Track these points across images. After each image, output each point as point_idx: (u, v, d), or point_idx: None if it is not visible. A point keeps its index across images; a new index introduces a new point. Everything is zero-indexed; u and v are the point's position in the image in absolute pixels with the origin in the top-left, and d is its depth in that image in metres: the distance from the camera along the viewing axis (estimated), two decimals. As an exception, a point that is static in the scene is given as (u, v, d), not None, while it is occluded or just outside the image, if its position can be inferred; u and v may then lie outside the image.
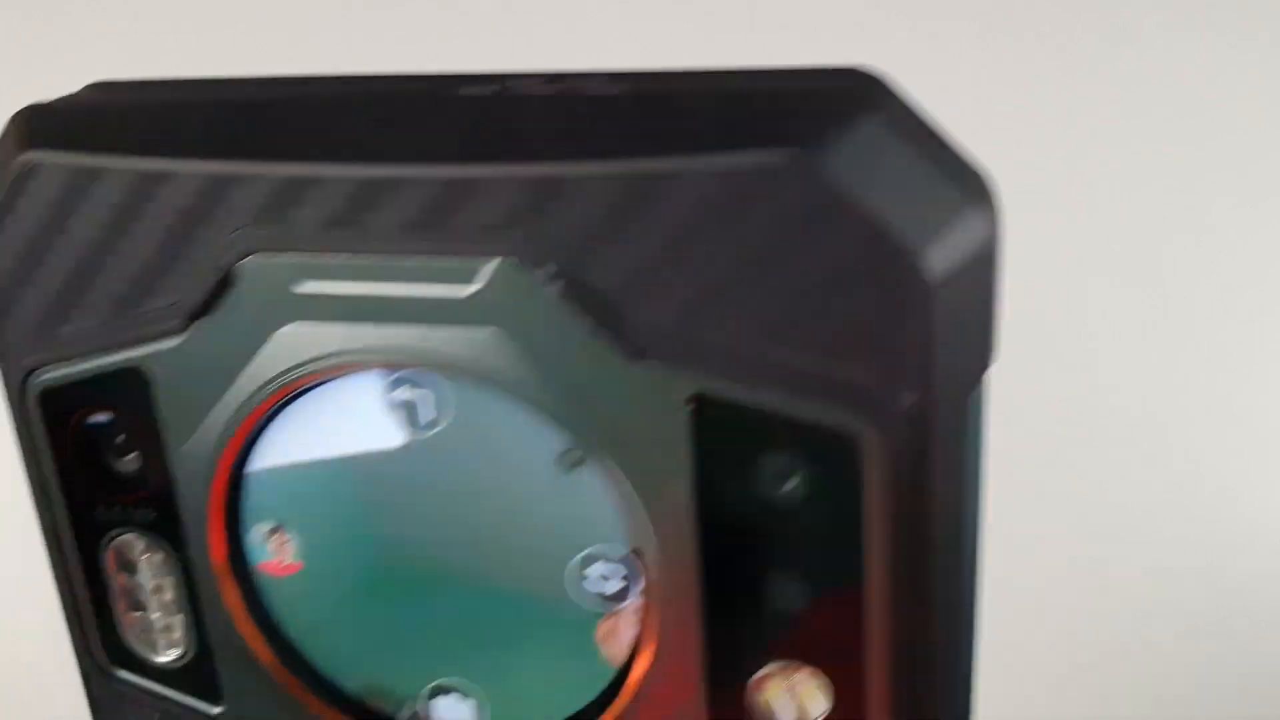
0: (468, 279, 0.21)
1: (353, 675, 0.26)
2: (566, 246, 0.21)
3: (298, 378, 0.23)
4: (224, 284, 0.22)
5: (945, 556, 0.22)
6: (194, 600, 0.26)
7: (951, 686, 0.23)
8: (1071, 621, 0.45)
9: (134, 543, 0.26)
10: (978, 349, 0.21)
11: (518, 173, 0.20)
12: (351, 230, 0.21)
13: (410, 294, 0.22)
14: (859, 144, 0.19)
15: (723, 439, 0.21)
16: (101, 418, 0.25)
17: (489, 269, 0.21)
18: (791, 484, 0.21)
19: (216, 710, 0.26)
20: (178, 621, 0.26)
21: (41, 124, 0.24)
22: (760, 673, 0.23)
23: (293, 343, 0.22)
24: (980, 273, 0.20)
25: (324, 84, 0.24)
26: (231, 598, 0.25)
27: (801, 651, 0.23)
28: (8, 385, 0.25)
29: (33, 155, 0.23)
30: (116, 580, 0.26)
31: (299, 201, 0.21)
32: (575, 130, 0.21)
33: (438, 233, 0.21)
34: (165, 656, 0.26)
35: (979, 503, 0.22)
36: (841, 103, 0.20)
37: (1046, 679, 0.43)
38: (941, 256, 0.19)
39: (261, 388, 0.23)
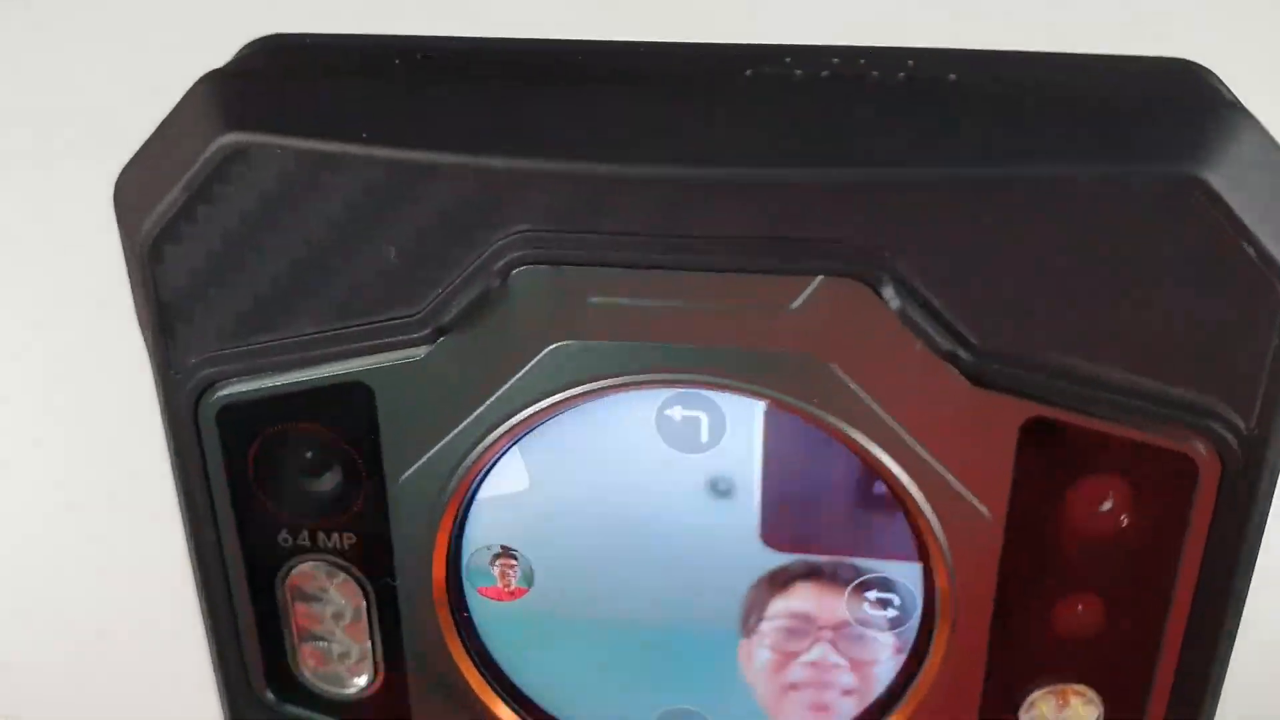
0: (788, 298, 0.19)
1: (572, 705, 0.24)
2: (910, 265, 0.19)
3: (567, 399, 0.20)
4: (489, 294, 0.20)
5: (1241, 584, 0.21)
6: (390, 630, 0.23)
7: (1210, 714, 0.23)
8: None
9: (315, 572, 0.23)
10: None
11: (859, 178, 0.18)
12: (653, 239, 0.19)
13: (717, 311, 0.19)
14: (1241, 158, 0.18)
15: (1047, 462, 0.20)
16: (297, 437, 0.22)
17: (813, 287, 0.19)
18: (1107, 506, 0.20)
19: None
20: (365, 650, 0.24)
21: (236, 97, 0.20)
22: (1036, 692, 0.22)
23: (567, 360, 0.20)
24: None
25: (544, 49, 0.21)
26: (446, 625, 0.23)
27: (1083, 674, 0.22)
28: (171, 397, 0.22)
29: (239, 138, 0.19)
30: (294, 611, 0.23)
31: (593, 202, 0.19)
32: (921, 130, 0.19)
33: (756, 244, 0.19)
34: (349, 688, 0.24)
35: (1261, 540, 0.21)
36: (1209, 111, 0.19)
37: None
38: None
39: (521, 409, 0.20)
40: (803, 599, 0.22)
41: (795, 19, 0.29)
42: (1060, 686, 0.22)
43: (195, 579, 0.24)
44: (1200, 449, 0.19)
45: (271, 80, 0.21)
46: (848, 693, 0.23)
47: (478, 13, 0.30)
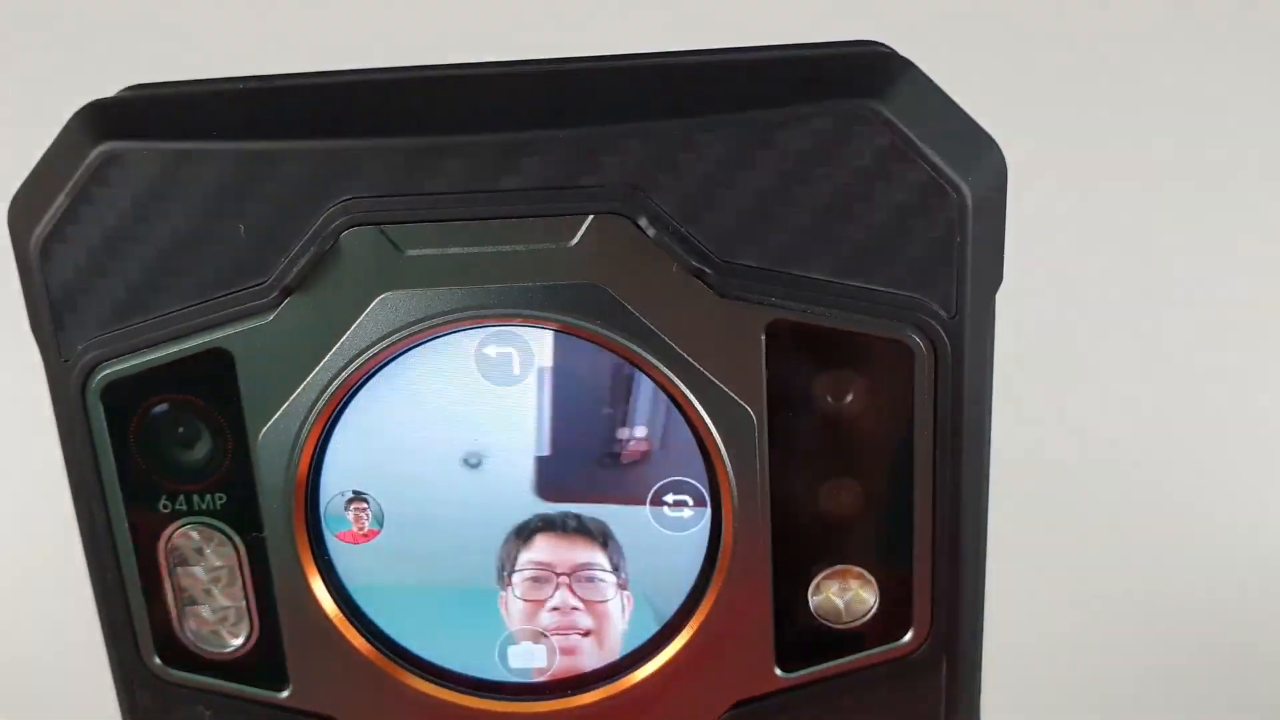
0: (567, 236, 0.24)
1: (430, 640, 0.27)
2: (660, 200, 0.24)
3: (397, 342, 0.24)
4: (323, 256, 0.24)
5: (972, 456, 0.26)
6: (260, 583, 0.26)
7: (974, 590, 0.27)
8: (1066, 627, 0.47)
9: (192, 533, 0.26)
10: (993, 269, 0.25)
11: (611, 133, 0.23)
12: (453, 197, 0.24)
13: (511, 252, 0.24)
14: (910, 97, 0.24)
15: (793, 360, 0.25)
16: (171, 406, 0.25)
17: (586, 226, 0.24)
18: (849, 396, 0.25)
19: (283, 694, 0.27)
20: (240, 609, 0.27)
21: (112, 116, 0.24)
22: (818, 576, 0.26)
23: (394, 308, 0.24)
24: (998, 204, 0.25)
25: (369, 74, 0.26)
26: (310, 572, 0.26)
27: (853, 554, 0.26)
28: (60, 383, 0.25)
29: (113, 145, 0.24)
30: (175, 574, 0.27)
31: (402, 172, 0.24)
32: (657, 92, 0.24)
33: (536, 194, 0.24)
34: (228, 646, 0.27)
35: (989, 412, 0.26)
36: (883, 65, 0.24)
37: (1044, 684, 0.46)
38: (977, 188, 0.24)
39: (359, 355, 0.24)
40: (542, 549, 0.26)
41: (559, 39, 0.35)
42: (839, 568, 0.26)
43: (85, 554, 0.27)
44: (913, 337, 0.24)
45: (138, 104, 0.25)
46: (587, 634, 0.27)
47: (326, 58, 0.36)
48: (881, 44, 0.26)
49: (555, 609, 0.27)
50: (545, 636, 0.27)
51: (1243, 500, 0.49)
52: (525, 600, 0.27)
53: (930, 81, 0.24)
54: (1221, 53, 0.45)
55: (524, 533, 0.26)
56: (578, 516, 0.26)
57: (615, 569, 0.27)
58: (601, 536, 0.26)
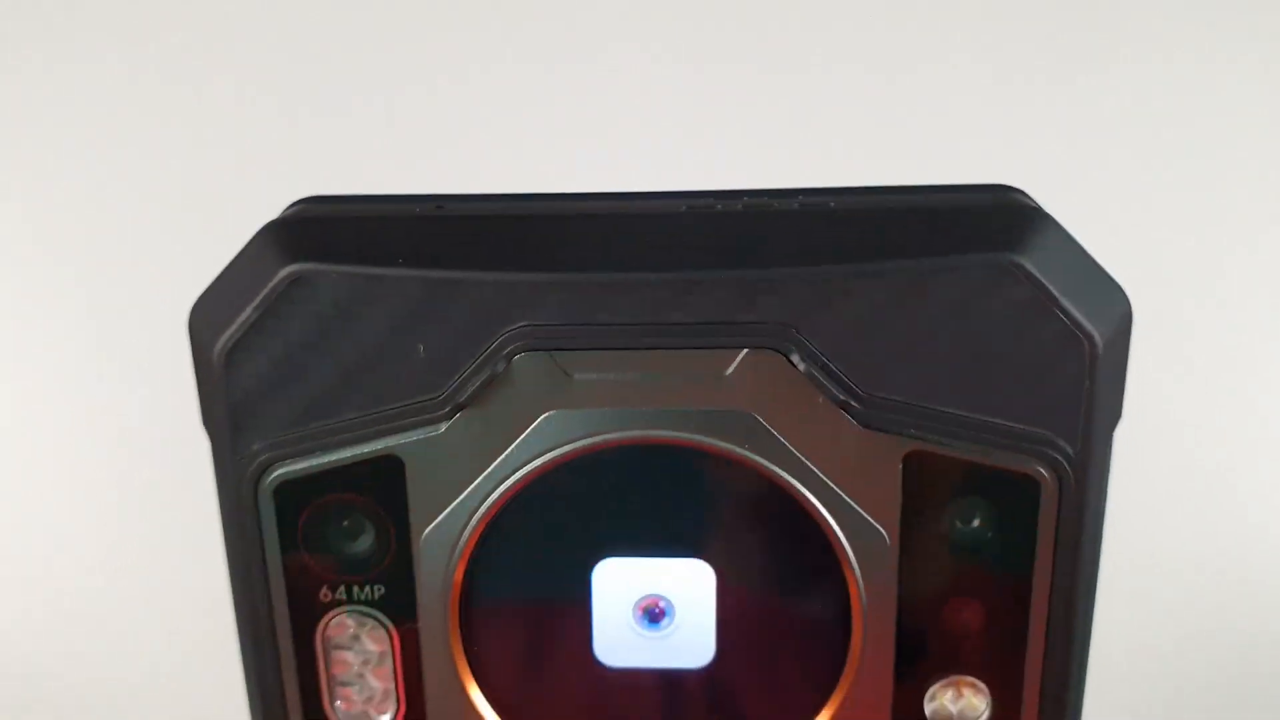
0: (723, 367, 0.26)
1: None
2: (811, 337, 0.25)
3: (559, 457, 0.26)
4: (496, 376, 0.26)
5: (1086, 577, 0.27)
6: (411, 667, 0.28)
7: (1078, 694, 0.29)
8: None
9: (349, 621, 0.28)
10: (1114, 407, 0.27)
11: (769, 277, 0.25)
12: (621, 328, 0.25)
13: (670, 380, 0.26)
14: (1048, 249, 0.25)
15: (927, 486, 0.26)
16: (340, 505, 0.27)
17: (740, 358, 0.26)
18: (977, 521, 0.27)
19: None
20: (388, 689, 0.28)
21: (296, 237, 0.26)
22: (935, 685, 0.28)
23: (558, 425, 0.26)
24: (1122, 348, 0.26)
25: (528, 201, 0.28)
26: (462, 667, 0.28)
27: (969, 665, 0.28)
28: (231, 478, 0.27)
29: (300, 267, 0.26)
30: (330, 658, 0.28)
31: (575, 304, 0.25)
32: (812, 237, 0.26)
33: (698, 328, 0.25)
34: None
35: (1101, 538, 0.28)
36: (1022, 216, 0.26)
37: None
38: (1105, 335, 0.26)
39: (522, 466, 0.26)
40: None
41: (717, 173, 0.37)
42: (955, 679, 0.28)
43: (240, 635, 0.28)
44: (1041, 470, 0.26)
45: (319, 225, 0.27)
46: None
47: (476, 171, 0.38)
48: (1018, 190, 0.28)
49: None
50: None
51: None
52: None
53: (1065, 232, 0.26)
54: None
55: None
56: None
57: None
58: None
